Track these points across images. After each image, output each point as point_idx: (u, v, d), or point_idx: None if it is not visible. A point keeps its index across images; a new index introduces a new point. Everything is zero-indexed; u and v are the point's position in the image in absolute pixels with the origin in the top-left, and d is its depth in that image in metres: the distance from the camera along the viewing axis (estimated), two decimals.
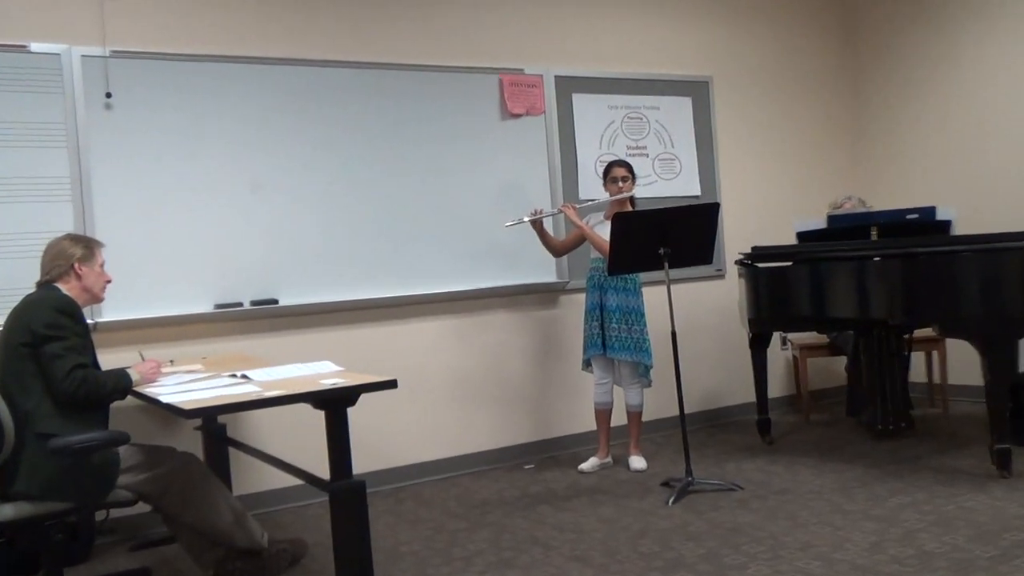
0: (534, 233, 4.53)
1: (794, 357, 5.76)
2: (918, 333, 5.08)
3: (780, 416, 5.65)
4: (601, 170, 4.70)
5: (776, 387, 5.81)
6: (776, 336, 5.65)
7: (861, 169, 6.26)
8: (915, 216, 4.52)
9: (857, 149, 6.28)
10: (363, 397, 2.72)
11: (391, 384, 2.74)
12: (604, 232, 4.27)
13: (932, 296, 3.94)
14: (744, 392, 5.45)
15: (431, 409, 4.72)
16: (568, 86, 5.13)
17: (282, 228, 4.32)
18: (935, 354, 5.41)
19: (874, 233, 4.50)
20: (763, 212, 5.85)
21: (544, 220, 4.51)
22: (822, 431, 5.20)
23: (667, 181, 5.47)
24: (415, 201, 4.64)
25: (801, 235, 4.81)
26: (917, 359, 5.50)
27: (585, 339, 4.53)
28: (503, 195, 4.87)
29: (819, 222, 4.84)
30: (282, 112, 4.32)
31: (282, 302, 4.29)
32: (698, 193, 5.56)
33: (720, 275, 5.67)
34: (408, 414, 4.65)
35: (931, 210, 4.54)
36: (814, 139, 6.15)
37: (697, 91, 5.61)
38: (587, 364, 4.59)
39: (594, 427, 4.70)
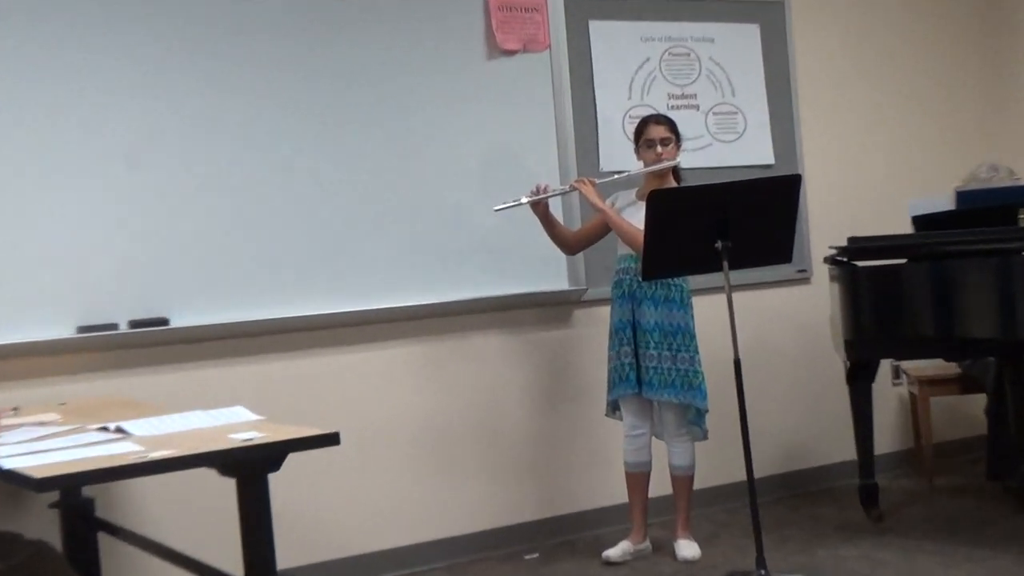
0: (536, 220, 4.59)
1: (911, 395, 5.77)
2: None
3: (892, 480, 5.66)
4: (632, 130, 4.75)
5: (886, 438, 5.80)
6: (886, 366, 5.64)
7: (1011, 124, 6.30)
8: None
9: (1004, 95, 6.33)
10: (291, 459, 2.71)
11: (332, 439, 2.75)
12: (638, 218, 4.27)
13: None
14: (840, 446, 5.48)
15: (391, 475, 4.75)
16: (583, 8, 5.18)
17: (173, 219, 4.32)
18: None
19: (1022, 217, 4.55)
20: (864, 188, 5.90)
21: (550, 202, 4.57)
22: (953, 502, 5.21)
23: (726, 144, 5.52)
24: (366, 178, 4.68)
25: (920, 221, 4.87)
26: None
27: (611, 372, 4.58)
28: (492, 167, 4.92)
29: (945, 202, 4.88)
30: (172, 45, 4.33)
31: (174, 323, 4.29)
32: (771, 162, 5.61)
33: (803, 278, 5.72)
34: (357, 483, 4.67)
35: None
36: (939, 81, 6.22)
37: (768, 14, 5.68)
38: (614, 408, 4.65)
39: (624, 498, 4.73)
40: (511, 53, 4.97)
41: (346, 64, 4.66)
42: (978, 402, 5.67)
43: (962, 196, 4.85)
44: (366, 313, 4.63)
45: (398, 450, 4.77)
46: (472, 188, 4.86)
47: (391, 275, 4.70)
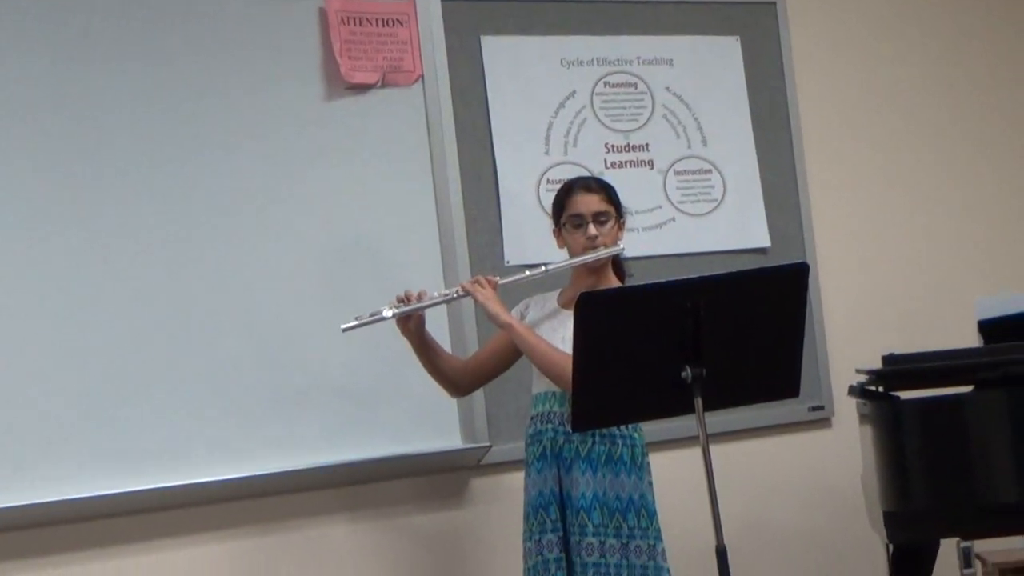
0: (407, 344, 4.52)
1: None
2: None
3: None
4: (550, 202, 4.69)
5: None
6: (950, 548, 5.52)
7: None
8: None
9: None
10: None
11: None
12: (562, 335, 4.31)
13: None
14: None
15: None
16: (472, 19, 5.29)
17: None
18: None
19: None
20: (905, 281, 6.01)
21: (426, 316, 4.52)
22: None
23: (696, 219, 5.58)
24: (146, 292, 4.70)
25: (991, 328, 4.87)
26: None
27: (528, 574, 4.48)
28: (335, 265, 4.96)
29: None
30: None
31: None
32: (765, 244, 5.71)
33: (821, 419, 5.80)
34: None
35: None
36: (1016, 113, 6.37)
37: (754, 23, 5.83)
38: None
39: None
40: (364, 89, 5.04)
41: (130, 113, 4.76)
42: None
43: None
44: (146, 495, 4.59)
45: None
46: (310, 297, 4.89)
47: (180, 436, 4.68)
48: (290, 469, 4.74)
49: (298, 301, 4.85)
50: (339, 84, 4.94)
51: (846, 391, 5.10)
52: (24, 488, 4.42)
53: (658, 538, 4.36)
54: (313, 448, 4.81)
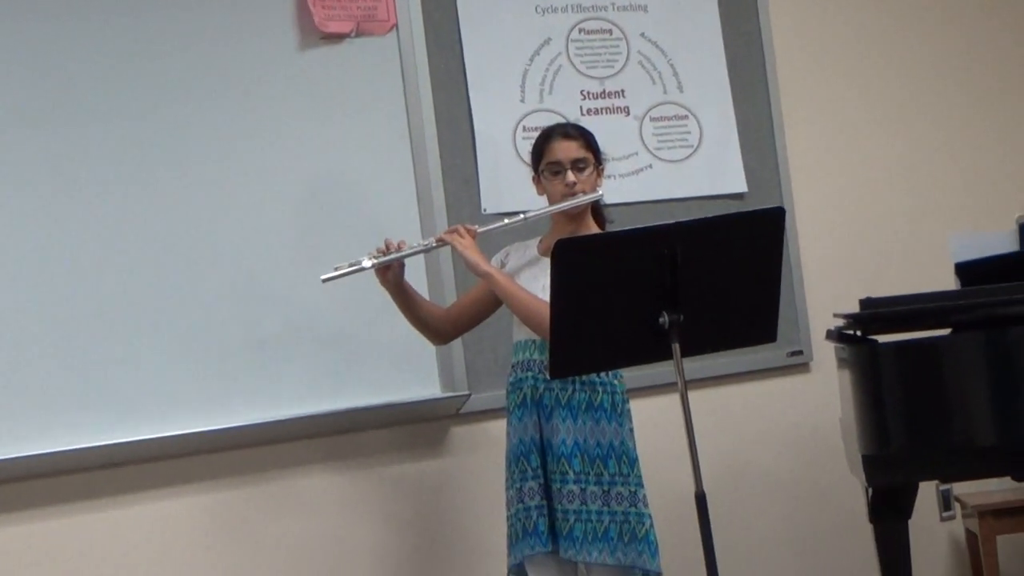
0: (385, 293, 4.48)
1: (970, 535, 5.74)
2: None
3: None
4: (528, 149, 4.66)
5: None
6: (929, 490, 5.59)
7: None
8: None
9: None
10: None
11: None
12: (542, 283, 4.23)
13: None
14: None
15: None
16: None
17: None
18: None
19: None
20: (883, 225, 5.99)
21: (404, 264, 4.50)
22: None
23: (673, 165, 5.55)
24: (118, 243, 4.66)
25: (968, 270, 4.77)
26: None
27: (511, 521, 4.45)
28: (315, 215, 4.95)
29: (1006, 240, 4.84)
30: None
31: None
32: (742, 190, 5.66)
33: (799, 364, 5.79)
34: None
35: None
36: (994, 61, 6.36)
37: None
38: (517, 574, 4.49)
39: None
40: (338, 38, 5.00)
41: (97, 64, 4.71)
42: None
43: None
44: (120, 449, 4.56)
45: None
46: (289, 247, 4.89)
47: (160, 388, 4.66)
48: (270, 420, 4.72)
49: (276, 251, 4.83)
50: (313, 34, 4.92)
51: (824, 336, 5.05)
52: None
53: (639, 484, 4.35)
54: (293, 398, 4.79)
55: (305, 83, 4.94)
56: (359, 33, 4.97)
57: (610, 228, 4.50)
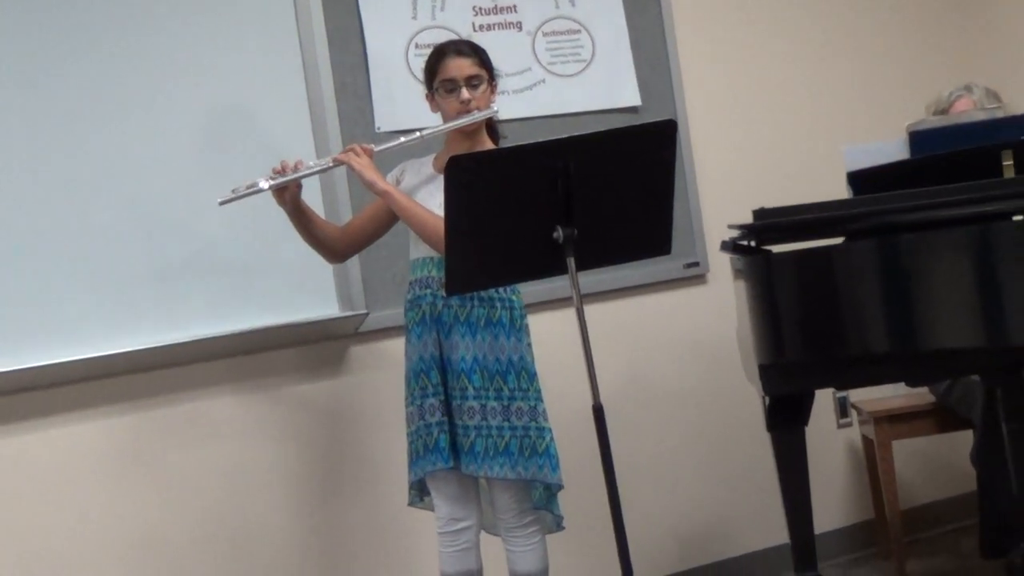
0: (282, 213, 4.42)
1: (866, 441, 5.76)
2: None
3: (845, 569, 5.74)
4: (421, 67, 4.59)
5: (833, 507, 5.89)
6: (825, 398, 5.66)
7: (989, 36, 6.42)
8: None
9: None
10: None
11: None
12: (438, 200, 4.10)
13: None
14: (764, 526, 5.55)
15: None
16: None
17: None
18: None
19: (1009, 164, 4.30)
20: (776, 136, 5.95)
21: (301, 184, 4.40)
22: None
23: (566, 80, 5.50)
24: (14, 166, 4.57)
25: (860, 179, 4.62)
26: None
27: (411, 438, 4.42)
28: (214, 139, 4.86)
29: (896, 148, 4.67)
30: None
31: None
32: (636, 103, 5.60)
33: (695, 276, 5.76)
34: None
35: None
36: None
37: None
38: (420, 492, 4.52)
39: None
40: None
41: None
42: (963, 444, 5.59)
43: (919, 138, 4.64)
44: (19, 375, 4.48)
45: None
46: (186, 171, 4.79)
47: (60, 312, 4.60)
48: (172, 342, 4.66)
49: (174, 177, 4.75)
50: None
51: (719, 247, 4.97)
52: None
53: (539, 399, 4.35)
54: (195, 320, 4.75)
55: (203, 8, 4.83)
56: None
57: (504, 144, 4.44)
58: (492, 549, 4.49)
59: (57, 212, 4.63)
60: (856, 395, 5.79)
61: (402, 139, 4.41)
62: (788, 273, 4.44)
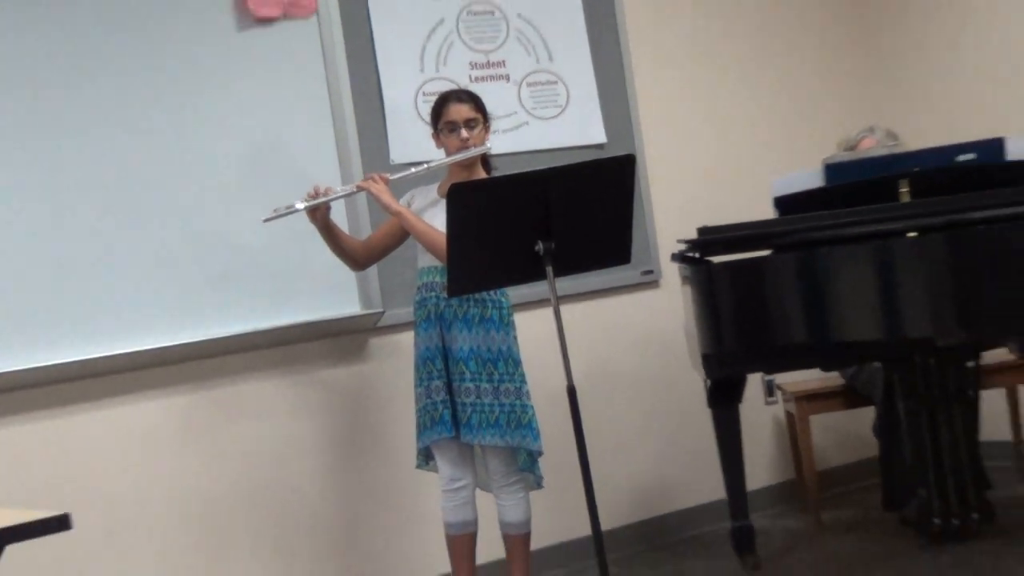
0: (314, 230, 4.61)
1: (789, 415, 5.98)
2: (989, 357, 5.33)
3: (772, 520, 5.83)
4: (428, 111, 4.76)
5: (762, 470, 6.04)
6: (756, 381, 5.81)
7: (897, 80, 6.59)
8: (972, 157, 4.66)
9: (888, 44, 6.63)
10: (14, 553, 2.57)
11: (61, 524, 2.59)
12: (440, 220, 4.24)
13: (1009, 294, 4.20)
14: (707, 484, 5.65)
15: (147, 567, 4.70)
16: None
17: None
18: (1022, 392, 5.76)
19: (905, 191, 4.65)
20: (719, 168, 6.12)
21: (330, 205, 4.60)
22: (843, 540, 5.35)
23: (546, 122, 5.63)
24: (90, 192, 4.66)
25: (784, 203, 4.94)
26: (991, 402, 5.65)
27: (420, 414, 4.60)
28: (255, 169, 4.96)
29: (813, 178, 4.90)
30: None
31: None
32: (602, 140, 5.77)
33: (651, 282, 5.89)
34: None
35: (997, 145, 4.65)
36: (809, 34, 6.52)
37: None
38: (427, 457, 4.68)
39: (447, 567, 4.73)
40: (269, 21, 5.01)
41: (64, 50, 4.68)
42: (866, 419, 5.79)
43: (831, 170, 4.88)
44: (99, 362, 4.59)
45: (156, 534, 4.72)
46: (232, 196, 4.87)
47: (131, 311, 4.67)
48: (224, 335, 4.78)
49: (224, 199, 4.86)
50: (248, 17, 4.92)
51: (670, 258, 5.19)
52: None
53: (523, 381, 4.54)
54: (242, 318, 4.81)
55: (244, 58, 4.94)
56: (286, 16, 4.98)
57: (496, 174, 4.58)
58: (485, 504, 4.62)
59: (133, 232, 4.70)
60: (781, 378, 5.97)
61: (413, 170, 4.57)
62: (726, 279, 4.75)
